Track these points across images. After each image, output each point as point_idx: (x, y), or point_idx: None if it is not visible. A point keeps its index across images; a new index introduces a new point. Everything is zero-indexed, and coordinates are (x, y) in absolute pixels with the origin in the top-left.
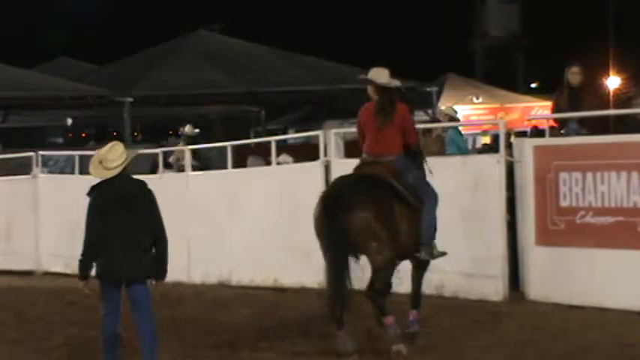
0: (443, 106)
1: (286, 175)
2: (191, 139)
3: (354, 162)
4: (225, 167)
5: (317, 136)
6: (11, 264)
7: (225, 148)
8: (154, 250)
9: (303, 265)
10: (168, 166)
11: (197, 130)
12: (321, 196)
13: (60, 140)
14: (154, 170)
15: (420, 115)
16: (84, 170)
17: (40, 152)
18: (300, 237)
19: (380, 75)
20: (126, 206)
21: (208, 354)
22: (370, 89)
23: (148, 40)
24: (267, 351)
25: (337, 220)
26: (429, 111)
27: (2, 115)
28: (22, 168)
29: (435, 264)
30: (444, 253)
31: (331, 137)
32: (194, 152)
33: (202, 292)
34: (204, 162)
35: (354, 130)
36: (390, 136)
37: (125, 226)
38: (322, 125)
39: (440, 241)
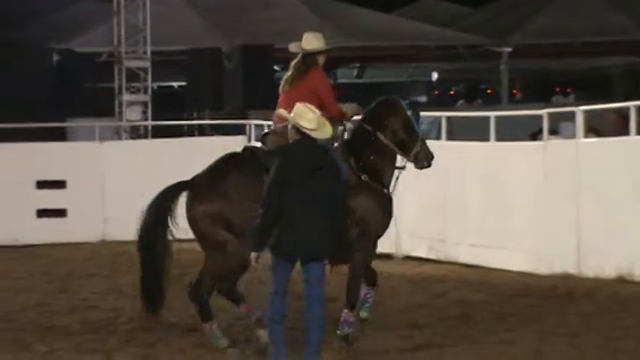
0: None
1: None
2: None
3: None
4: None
5: None
6: None
7: (626, 108)
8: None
9: None
10: (553, 132)
11: None
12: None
13: (423, 98)
14: (535, 136)
15: None
16: (452, 135)
17: None
18: None
19: (309, 41)
20: (311, 175)
21: None
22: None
23: None
24: None
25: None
26: None
27: (358, 69)
28: None
29: None
30: None
31: None
32: None
33: (597, 289)
34: None
35: None
36: (295, 102)
37: (309, 197)
38: None
39: None
